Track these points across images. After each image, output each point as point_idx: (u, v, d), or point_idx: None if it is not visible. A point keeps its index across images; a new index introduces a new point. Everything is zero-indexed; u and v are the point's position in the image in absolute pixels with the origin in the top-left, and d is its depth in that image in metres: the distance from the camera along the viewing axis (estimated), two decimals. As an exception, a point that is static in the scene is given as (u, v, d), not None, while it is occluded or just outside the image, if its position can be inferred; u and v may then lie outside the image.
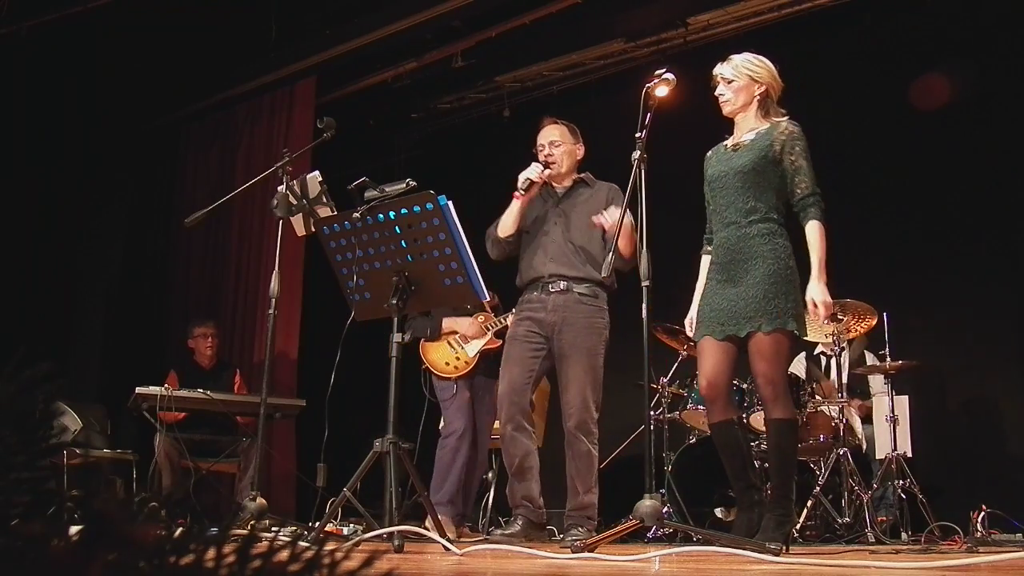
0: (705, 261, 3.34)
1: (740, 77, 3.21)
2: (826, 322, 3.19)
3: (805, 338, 3.19)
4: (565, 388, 3.69)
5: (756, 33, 6.01)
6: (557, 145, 3.86)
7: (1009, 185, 5.20)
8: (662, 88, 3.13)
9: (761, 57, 3.26)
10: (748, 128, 3.22)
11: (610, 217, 3.54)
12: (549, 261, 3.75)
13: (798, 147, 3.11)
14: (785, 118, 3.21)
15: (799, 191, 3.10)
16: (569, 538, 3.45)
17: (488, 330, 4.57)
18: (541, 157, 3.84)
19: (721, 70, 3.24)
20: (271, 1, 6.45)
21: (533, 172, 3.75)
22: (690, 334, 3.32)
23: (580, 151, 3.93)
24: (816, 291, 3.03)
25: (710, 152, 3.35)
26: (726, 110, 3.27)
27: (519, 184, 3.74)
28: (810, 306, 3.04)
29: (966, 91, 5.30)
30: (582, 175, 3.92)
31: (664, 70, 3.15)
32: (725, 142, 3.30)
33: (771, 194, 3.12)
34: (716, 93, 3.26)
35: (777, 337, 3.01)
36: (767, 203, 3.11)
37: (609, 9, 6.16)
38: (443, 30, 6.37)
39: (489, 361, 4.58)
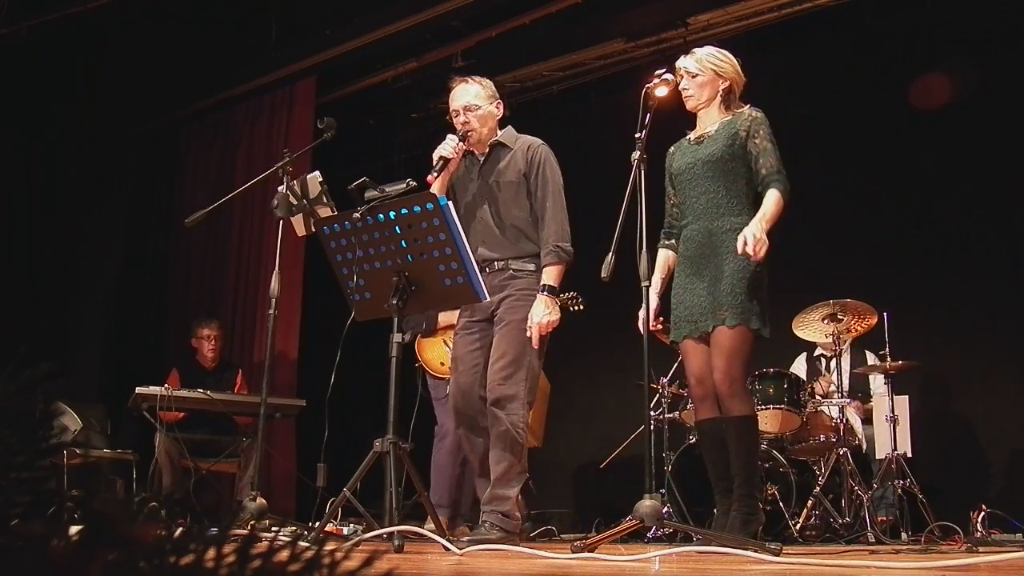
0: (661, 255, 3.34)
1: (704, 71, 3.22)
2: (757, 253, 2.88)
3: (765, 336, 3.10)
4: (491, 361, 3.34)
5: (756, 33, 6.02)
6: (473, 110, 3.44)
7: (1009, 185, 5.20)
8: (662, 88, 3.13)
9: (724, 51, 3.27)
10: (711, 122, 3.23)
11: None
12: (480, 247, 3.43)
13: (762, 130, 3.13)
14: (747, 106, 3.22)
15: (764, 171, 3.10)
16: (479, 532, 3.23)
17: None
18: (457, 125, 3.44)
19: (685, 64, 3.24)
20: (271, 1, 6.45)
21: (447, 148, 3.32)
22: (640, 327, 3.13)
23: (499, 110, 3.52)
24: (752, 227, 2.92)
25: (672, 148, 3.36)
26: (690, 105, 3.28)
27: (434, 163, 3.32)
28: (739, 243, 2.92)
29: (966, 91, 5.30)
30: (499, 135, 3.53)
31: (664, 70, 3.15)
32: (687, 136, 3.31)
33: (742, 183, 3.13)
34: (680, 87, 3.26)
35: (740, 332, 3.01)
36: (738, 194, 3.12)
37: (609, 9, 6.16)
38: (443, 30, 6.38)
39: None
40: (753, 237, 2.90)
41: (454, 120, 3.47)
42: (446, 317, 4.60)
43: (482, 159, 3.52)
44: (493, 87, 3.55)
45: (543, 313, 3.27)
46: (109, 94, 6.75)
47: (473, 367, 3.39)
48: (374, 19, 6.24)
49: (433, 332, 4.60)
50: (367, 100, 7.18)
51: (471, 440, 3.43)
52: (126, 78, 6.68)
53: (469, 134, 3.41)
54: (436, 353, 4.57)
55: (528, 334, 3.28)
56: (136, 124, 7.15)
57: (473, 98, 3.46)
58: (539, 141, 3.52)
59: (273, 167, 3.76)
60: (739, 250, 2.94)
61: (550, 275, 3.33)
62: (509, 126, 3.61)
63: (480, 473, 3.44)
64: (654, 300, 3.28)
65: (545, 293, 3.29)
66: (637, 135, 3.07)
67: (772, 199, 3.04)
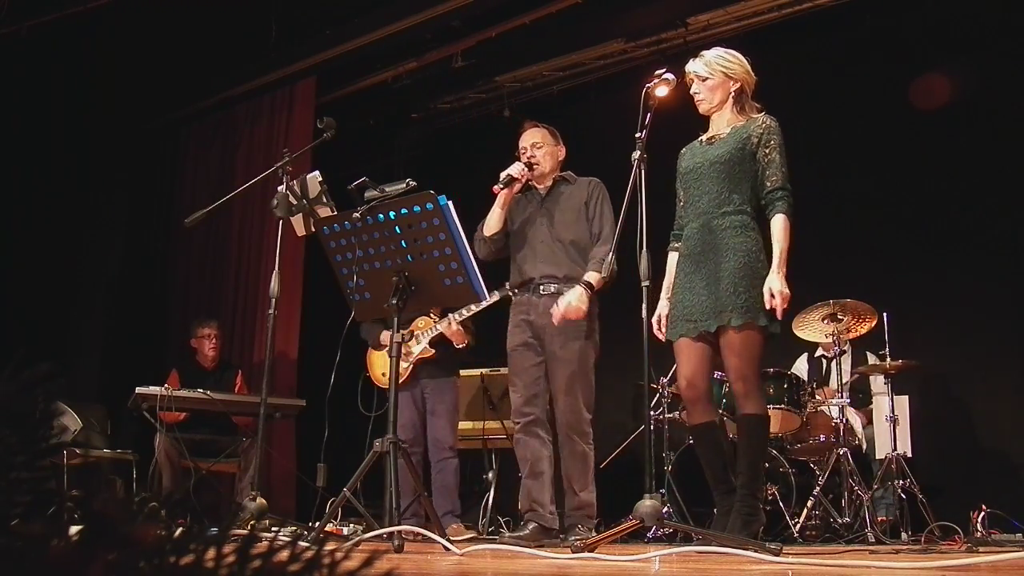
0: (672, 258, 3.34)
1: (715, 74, 3.21)
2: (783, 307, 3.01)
3: (775, 332, 3.11)
4: (556, 391, 3.73)
5: (756, 33, 6.01)
6: (539, 147, 3.92)
7: (1009, 185, 5.19)
8: (662, 88, 3.13)
9: (733, 52, 3.25)
10: (724, 124, 3.22)
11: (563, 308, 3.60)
12: (539, 263, 3.79)
13: (773, 140, 3.12)
14: (762, 113, 3.21)
15: (769, 184, 3.10)
16: (572, 537, 3.46)
17: (414, 344, 4.62)
18: (523, 159, 3.90)
19: (694, 68, 3.23)
20: (271, 1, 6.45)
21: (515, 169, 3.81)
22: (656, 331, 3.26)
23: (561, 152, 3.99)
24: (774, 281, 2.99)
25: (684, 149, 3.36)
26: (702, 108, 3.27)
27: (500, 179, 3.80)
28: (766, 296, 2.99)
29: (966, 91, 5.29)
30: (563, 174, 3.98)
31: (664, 70, 3.15)
32: (700, 138, 3.31)
33: (746, 186, 3.13)
34: (691, 92, 3.26)
35: (748, 332, 3.01)
36: (742, 195, 3.12)
37: (609, 9, 6.16)
38: (443, 30, 6.37)
39: (431, 365, 4.64)
40: (781, 295, 2.96)
41: (522, 156, 3.92)
42: (386, 337, 4.66)
43: (544, 192, 3.94)
44: (558, 135, 4.02)
45: (575, 299, 3.59)
46: (109, 94, 6.74)
47: (536, 383, 3.77)
48: (374, 19, 6.23)
49: (381, 346, 4.67)
50: (367, 100, 7.17)
51: (526, 442, 3.76)
52: (126, 78, 6.68)
53: (534, 165, 3.87)
54: (380, 363, 4.73)
55: (554, 313, 3.60)
56: (136, 123, 7.14)
57: (540, 138, 3.95)
58: (598, 179, 3.94)
59: (273, 167, 3.76)
60: (767, 305, 2.99)
61: (593, 277, 3.67)
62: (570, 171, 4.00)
63: (527, 476, 3.76)
64: (666, 306, 3.28)
65: (583, 286, 3.63)
66: (637, 135, 3.07)
67: (780, 228, 3.05)
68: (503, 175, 3.81)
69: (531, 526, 3.68)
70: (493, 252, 3.94)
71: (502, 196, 3.83)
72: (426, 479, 4.74)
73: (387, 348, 4.66)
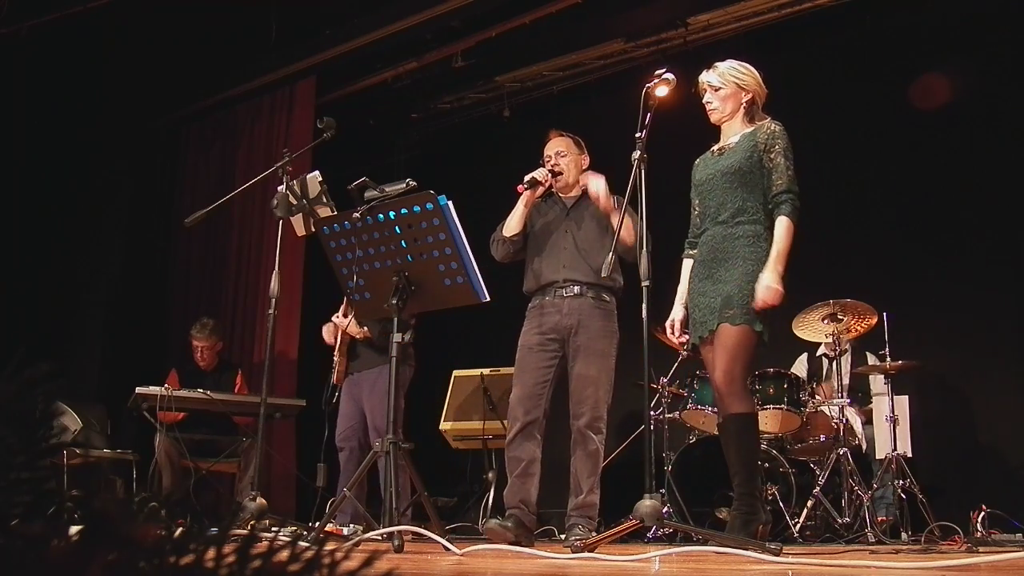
0: (687, 265, 3.36)
1: (727, 85, 3.23)
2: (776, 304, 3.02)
3: (765, 341, 3.13)
4: (578, 388, 3.73)
5: (756, 33, 6.02)
6: (563, 155, 3.94)
7: (1009, 185, 5.19)
8: (662, 88, 3.13)
9: (746, 64, 3.28)
10: (733, 133, 3.25)
11: (598, 189, 3.70)
12: (562, 268, 3.81)
13: (777, 145, 3.14)
14: (768, 119, 3.23)
15: (774, 188, 3.12)
16: (572, 537, 3.46)
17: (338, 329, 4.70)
18: (548, 166, 3.92)
19: (708, 78, 3.27)
20: (271, 1, 6.45)
21: (540, 173, 3.85)
22: (669, 335, 3.34)
23: (585, 162, 4.01)
24: (767, 277, 3.01)
25: (698, 160, 3.39)
26: (713, 118, 3.29)
27: (524, 181, 3.82)
28: (758, 291, 2.99)
29: (966, 91, 5.30)
30: None
31: (664, 70, 3.15)
32: (712, 148, 3.34)
33: (759, 194, 3.15)
34: (704, 101, 3.28)
35: (744, 331, 3.01)
36: (755, 203, 3.14)
37: (609, 9, 6.16)
38: (443, 30, 6.37)
39: (355, 361, 4.69)
40: (768, 290, 2.97)
41: (546, 164, 3.94)
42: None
43: (569, 204, 3.95)
44: (583, 144, 4.04)
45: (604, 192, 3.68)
46: (109, 94, 6.74)
47: (543, 381, 3.76)
48: (374, 19, 6.23)
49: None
50: (367, 100, 7.18)
51: (522, 445, 3.74)
52: (126, 78, 6.68)
53: (558, 173, 3.91)
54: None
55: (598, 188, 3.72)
56: (136, 124, 7.15)
57: (564, 147, 3.97)
58: (622, 198, 3.90)
59: (273, 167, 3.76)
60: (756, 303, 2.99)
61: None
62: None
63: (517, 476, 3.73)
64: (680, 311, 3.31)
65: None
66: (637, 135, 3.07)
67: (782, 230, 3.06)
68: (527, 177, 3.83)
69: (512, 521, 3.71)
70: (511, 254, 3.95)
71: (525, 197, 3.85)
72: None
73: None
